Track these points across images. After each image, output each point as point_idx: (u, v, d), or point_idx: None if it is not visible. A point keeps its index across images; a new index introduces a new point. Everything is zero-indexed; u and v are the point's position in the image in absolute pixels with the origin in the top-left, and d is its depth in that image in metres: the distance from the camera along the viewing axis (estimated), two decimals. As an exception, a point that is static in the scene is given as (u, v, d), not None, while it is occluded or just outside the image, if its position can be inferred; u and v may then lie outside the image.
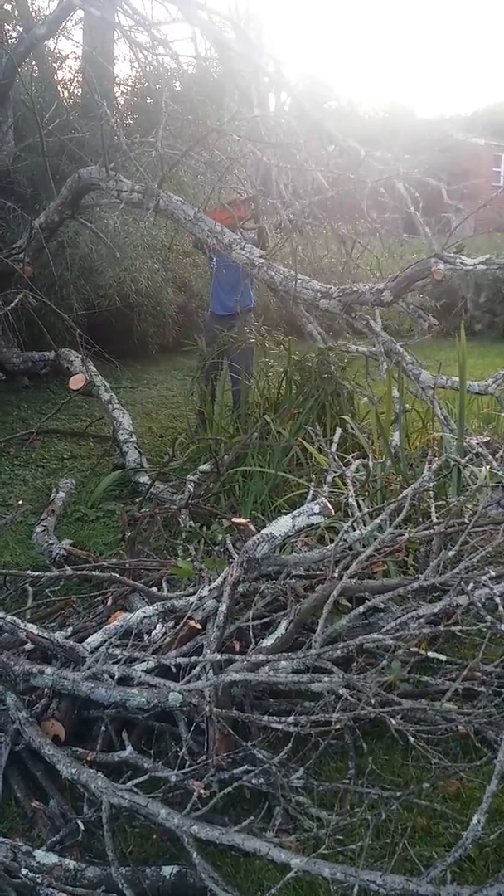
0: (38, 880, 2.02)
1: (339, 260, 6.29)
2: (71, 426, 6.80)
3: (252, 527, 3.10)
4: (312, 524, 2.92)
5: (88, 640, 2.79)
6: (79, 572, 3.43)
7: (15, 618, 2.79)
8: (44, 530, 4.26)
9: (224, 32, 5.88)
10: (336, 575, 2.85)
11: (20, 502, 4.93)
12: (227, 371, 5.70)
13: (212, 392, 5.79)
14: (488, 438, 5.00)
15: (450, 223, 5.41)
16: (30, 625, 2.74)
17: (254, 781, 2.35)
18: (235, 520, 3.24)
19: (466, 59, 75.41)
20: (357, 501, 3.80)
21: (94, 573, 3.40)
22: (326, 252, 6.53)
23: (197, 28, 5.97)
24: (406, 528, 3.41)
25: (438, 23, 72.48)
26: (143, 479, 4.96)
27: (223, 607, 2.68)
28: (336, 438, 4.54)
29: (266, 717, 2.34)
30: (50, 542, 4.07)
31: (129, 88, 10.57)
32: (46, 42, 7.80)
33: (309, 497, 3.55)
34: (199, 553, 3.71)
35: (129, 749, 2.43)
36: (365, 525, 3.36)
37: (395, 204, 5.19)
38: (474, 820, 2.00)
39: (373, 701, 2.30)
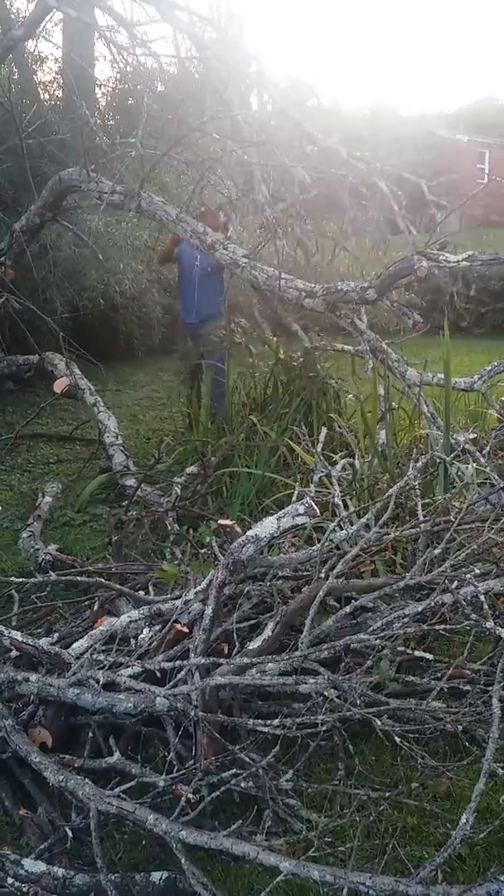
0: (24, 889, 2.00)
1: (321, 259, 6.28)
2: (57, 430, 6.77)
3: (238, 528, 3.09)
4: (298, 525, 2.91)
5: (74, 645, 2.77)
6: (63, 577, 3.41)
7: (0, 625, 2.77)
8: (30, 535, 4.23)
9: (203, 32, 5.87)
10: (322, 575, 2.84)
11: None
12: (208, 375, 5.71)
13: (197, 394, 5.79)
14: (475, 435, 5.00)
15: (434, 220, 5.40)
16: (14, 632, 2.72)
17: (242, 785, 2.34)
18: (221, 521, 3.23)
19: (449, 56, 75.49)
20: (344, 501, 3.79)
21: (79, 578, 3.38)
22: (315, 251, 6.51)
23: (178, 31, 5.95)
24: (393, 527, 3.40)
25: (422, 20, 72.57)
26: (130, 482, 4.94)
27: (209, 610, 2.66)
28: (322, 438, 4.53)
29: (252, 721, 2.33)
30: (36, 547, 4.05)
31: (111, 89, 10.54)
32: (26, 44, 7.78)
33: (294, 497, 3.54)
34: (187, 556, 3.69)
35: (117, 755, 2.42)
36: (351, 525, 3.35)
37: (378, 203, 5.19)
38: (463, 819, 2.00)
39: (358, 702, 2.29)
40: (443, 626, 2.59)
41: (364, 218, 5.56)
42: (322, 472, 4.08)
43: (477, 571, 2.78)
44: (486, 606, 2.44)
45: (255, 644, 2.74)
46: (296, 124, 5.30)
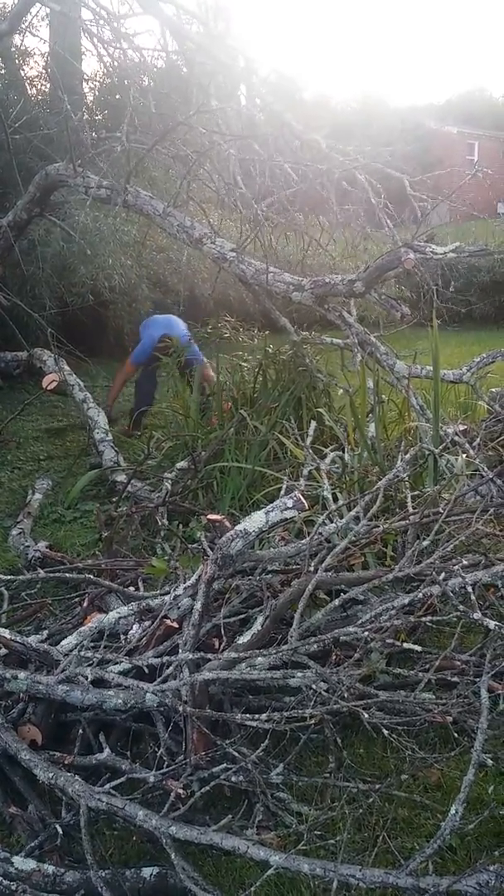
0: (14, 887, 1.99)
1: (304, 252, 6.27)
2: (47, 426, 6.74)
3: (228, 523, 3.08)
4: (286, 518, 2.91)
5: (63, 642, 2.77)
6: (52, 574, 3.41)
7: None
8: (20, 533, 4.22)
9: (189, 26, 5.84)
10: (312, 569, 2.84)
11: None
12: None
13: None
14: (465, 427, 5.01)
15: (419, 213, 5.39)
16: (3, 629, 2.71)
17: (233, 779, 2.33)
18: (211, 516, 3.22)
19: (438, 47, 75.51)
20: (333, 494, 3.79)
21: (69, 575, 3.37)
22: (294, 243, 6.51)
23: (165, 27, 5.93)
24: (383, 520, 3.40)
25: (410, 11, 72.53)
26: (120, 477, 4.93)
27: (198, 605, 2.66)
28: (311, 431, 4.53)
29: (240, 715, 2.33)
30: (26, 544, 4.03)
31: (98, 84, 10.48)
32: (13, 39, 7.74)
33: (283, 491, 3.54)
34: (176, 551, 3.68)
35: (107, 751, 2.41)
36: (341, 517, 3.34)
37: (359, 197, 5.18)
38: (453, 810, 2.00)
39: (346, 695, 2.29)
40: (431, 618, 2.59)
41: (345, 212, 5.55)
42: (312, 465, 4.08)
43: (465, 563, 2.79)
44: (473, 598, 2.44)
45: (244, 638, 2.73)
46: (277, 115, 5.28)
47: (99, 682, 2.53)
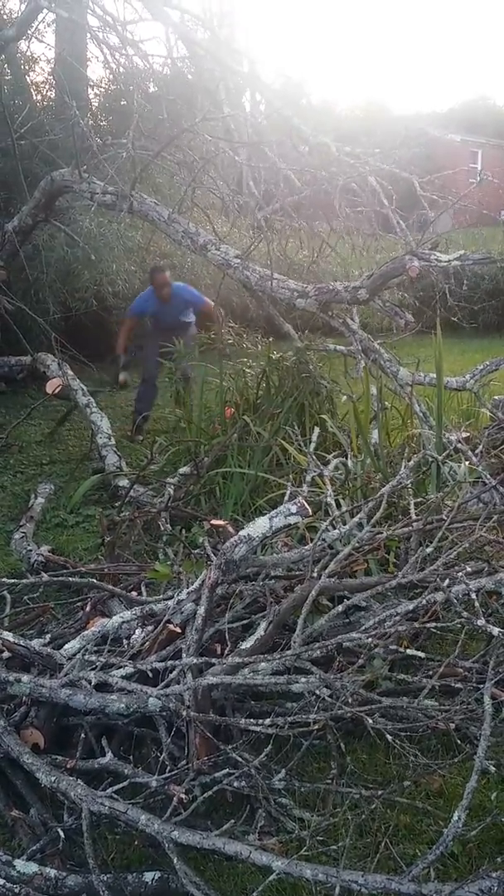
0: (16, 890, 2.00)
1: (314, 258, 6.28)
2: (50, 431, 6.75)
3: (231, 528, 3.08)
4: (290, 524, 2.91)
5: (66, 646, 2.77)
6: (55, 578, 3.41)
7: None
8: (22, 537, 4.22)
9: (195, 32, 5.87)
10: (315, 574, 2.84)
11: None
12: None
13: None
14: (468, 434, 5.01)
15: (426, 219, 5.40)
16: (6, 633, 2.72)
17: (235, 784, 2.33)
18: (214, 522, 3.22)
19: (442, 55, 75.62)
20: (336, 500, 3.79)
21: (71, 579, 3.37)
22: (302, 250, 6.52)
23: (169, 29, 5.96)
24: (385, 526, 3.40)
25: (414, 19, 72.69)
26: (123, 482, 4.94)
27: (201, 610, 2.66)
28: (314, 438, 4.53)
29: (243, 720, 2.33)
30: (28, 548, 4.04)
31: (103, 90, 10.52)
32: (18, 44, 7.77)
33: (286, 497, 3.54)
34: (179, 556, 3.69)
35: (109, 755, 2.41)
36: (344, 524, 3.34)
37: (369, 200, 5.19)
38: (455, 816, 2.00)
39: (349, 701, 2.29)
40: (435, 625, 2.59)
41: (354, 215, 5.56)
42: (315, 471, 4.08)
43: (469, 570, 2.78)
44: (477, 604, 2.44)
45: (247, 644, 2.73)
46: (286, 120, 5.30)
47: (102, 687, 2.53)
